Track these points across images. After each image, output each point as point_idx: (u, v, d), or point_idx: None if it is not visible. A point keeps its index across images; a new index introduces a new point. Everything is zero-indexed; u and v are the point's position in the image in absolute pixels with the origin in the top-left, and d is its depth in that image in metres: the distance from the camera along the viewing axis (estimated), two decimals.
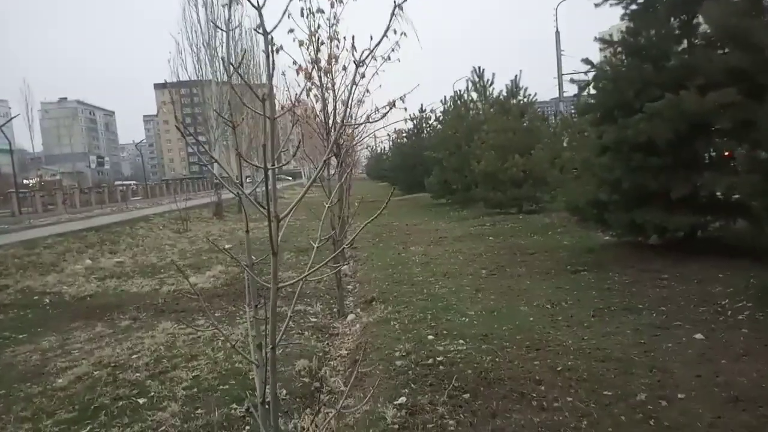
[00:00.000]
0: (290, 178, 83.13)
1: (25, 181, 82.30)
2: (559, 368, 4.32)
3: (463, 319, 5.97)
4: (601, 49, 9.45)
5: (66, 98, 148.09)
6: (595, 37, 8.83)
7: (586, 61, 9.42)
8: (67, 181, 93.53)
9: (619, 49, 8.88)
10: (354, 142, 11.51)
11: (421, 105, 32.27)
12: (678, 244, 8.33)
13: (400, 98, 10.15)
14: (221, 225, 22.08)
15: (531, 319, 5.83)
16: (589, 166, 8.78)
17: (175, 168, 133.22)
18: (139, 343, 5.94)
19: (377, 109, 10.60)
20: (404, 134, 36.72)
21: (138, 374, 4.97)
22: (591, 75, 9.42)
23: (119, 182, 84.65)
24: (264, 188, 2.29)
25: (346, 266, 10.53)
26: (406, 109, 10.20)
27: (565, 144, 16.45)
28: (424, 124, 32.81)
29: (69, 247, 14.10)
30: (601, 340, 4.92)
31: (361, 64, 10.60)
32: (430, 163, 24.53)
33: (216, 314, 7.14)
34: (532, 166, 16.75)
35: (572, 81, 10.12)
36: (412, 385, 4.22)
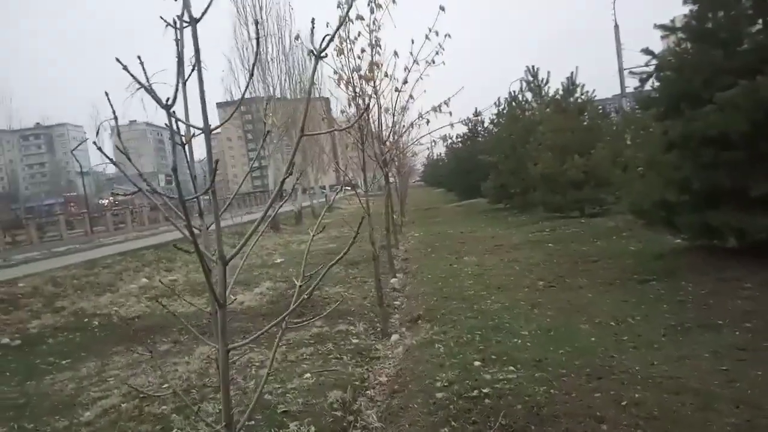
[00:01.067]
0: (348, 188, 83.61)
1: (100, 201, 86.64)
2: (624, 402, 3.73)
3: (516, 340, 5.41)
4: (662, 38, 8.66)
5: (135, 121, 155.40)
6: (655, 24, 8.07)
7: (647, 51, 8.66)
8: (139, 200, 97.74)
9: (683, 35, 8.10)
10: (398, 152, 11.16)
11: (476, 108, 31.49)
12: (760, 248, 7.42)
13: (444, 102, 9.76)
14: (276, 238, 22.14)
15: (592, 339, 5.21)
16: (654, 164, 8.01)
17: (238, 183, 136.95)
18: (172, 371, 5.72)
19: (421, 116, 10.25)
20: (453, 140, 36.24)
21: (164, 407, 4.71)
22: (653, 66, 8.67)
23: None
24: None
25: (395, 280, 10.12)
26: (451, 114, 9.79)
27: (628, 141, 15.49)
28: (478, 128, 32.14)
29: (126, 266, 14.36)
30: (675, 366, 4.27)
31: (404, 69, 10.23)
32: (485, 168, 23.83)
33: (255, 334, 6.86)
34: (593, 167, 15.82)
35: (631, 73, 9.32)
36: (453, 423, 3.74)
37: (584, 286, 7.56)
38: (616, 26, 38.02)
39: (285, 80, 26.93)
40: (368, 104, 9.02)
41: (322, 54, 1.79)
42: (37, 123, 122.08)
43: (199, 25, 1.83)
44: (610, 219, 14.79)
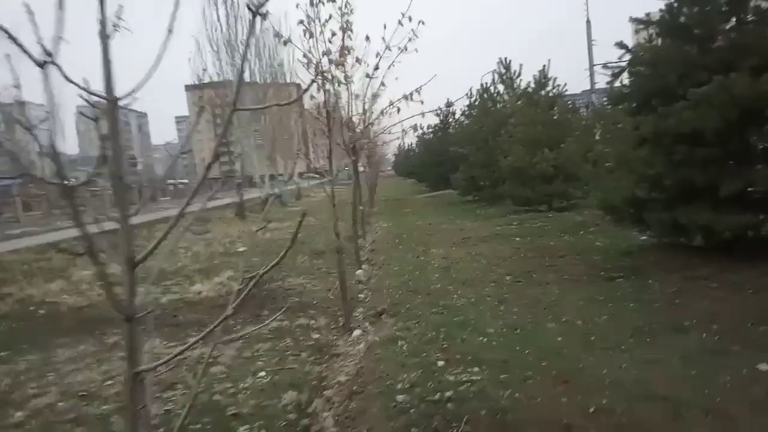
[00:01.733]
0: (317, 176, 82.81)
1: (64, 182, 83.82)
2: (591, 409, 3.56)
3: (481, 338, 5.22)
4: (636, 31, 8.55)
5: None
6: (631, 17, 7.94)
7: (620, 44, 8.54)
8: (103, 182, 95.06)
9: (657, 30, 7.99)
10: (368, 141, 10.88)
11: (447, 99, 31.36)
12: (726, 246, 7.40)
13: (416, 90, 9.49)
14: (241, 225, 21.64)
15: (559, 339, 5.05)
16: (625, 160, 7.91)
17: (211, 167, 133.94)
18: (118, 367, 5.37)
19: (392, 103, 9.97)
20: (425, 130, 36.08)
21: (105, 406, 4.38)
22: (625, 60, 8.57)
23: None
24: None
25: (360, 271, 9.87)
26: (422, 102, 9.53)
27: (597, 137, 15.51)
28: (450, 119, 32.01)
29: (73, 252, 13.75)
30: (643, 370, 4.13)
31: (376, 55, 9.91)
32: (456, 159, 23.74)
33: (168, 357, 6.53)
34: (562, 161, 15.79)
35: (605, 67, 9.24)
36: (413, 429, 3.52)
37: (551, 282, 7.43)
38: (588, 22, 38.35)
39: (255, 63, 26.25)
40: (328, 89, 8.68)
41: (262, 12, 1.50)
42: None
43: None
44: (577, 213, 14.82)
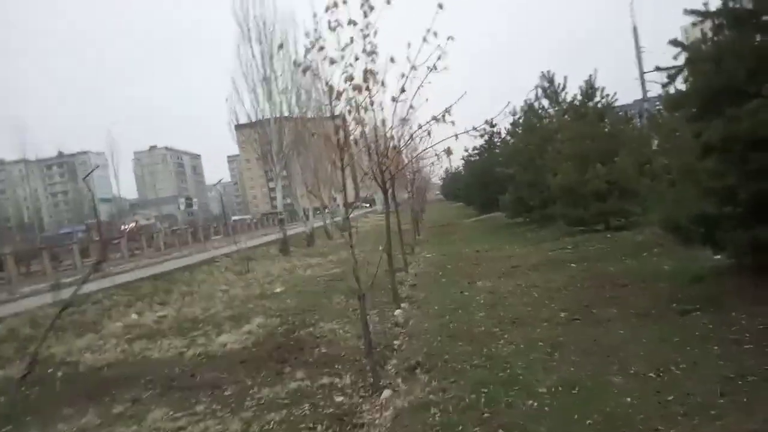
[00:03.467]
0: (367, 205, 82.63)
1: (122, 227, 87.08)
2: None
3: (531, 402, 4.30)
4: (694, 24, 7.53)
5: (156, 146, 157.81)
6: (686, 10, 6.95)
7: (675, 42, 7.57)
8: (162, 223, 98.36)
9: (719, 21, 6.97)
10: (398, 168, 10.15)
11: (490, 119, 30.35)
12: None
13: (446, 111, 8.73)
14: (284, 263, 21.20)
15: (628, 400, 4.08)
16: (689, 172, 6.86)
17: (258, 204, 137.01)
18: None
19: (420, 127, 9.23)
20: (471, 151, 35.18)
21: None
22: (682, 59, 7.58)
23: (235, 219, 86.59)
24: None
25: (398, 311, 9.04)
26: (453, 123, 8.75)
27: (654, 147, 14.31)
28: (495, 139, 31.05)
29: (117, 301, 13.49)
30: None
31: (401, 76, 9.25)
32: (503, 180, 22.75)
33: (226, 392, 5.85)
34: (617, 176, 14.61)
35: (659, 69, 8.21)
36: None
37: (614, 319, 6.41)
38: (635, 28, 36.84)
39: (291, 98, 26.11)
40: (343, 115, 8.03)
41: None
42: (60, 152, 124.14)
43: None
44: (637, 232, 13.56)
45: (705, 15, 6.77)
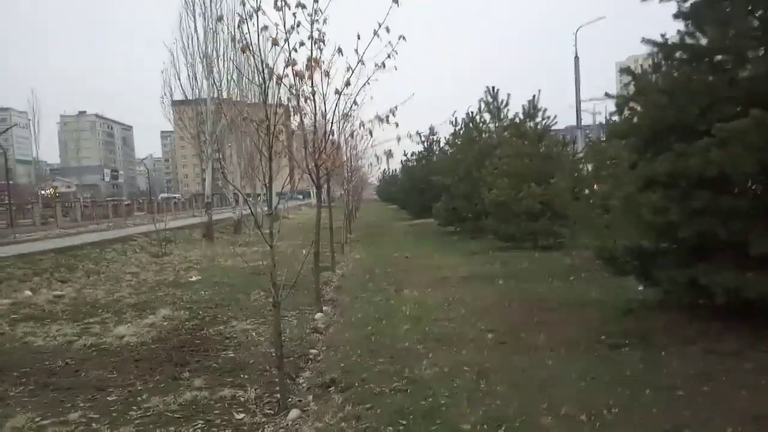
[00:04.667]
0: (300, 197, 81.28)
1: (41, 192, 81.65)
2: None
3: None
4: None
5: (85, 112, 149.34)
6: (643, 38, 6.80)
7: (627, 70, 7.47)
8: (83, 193, 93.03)
9: (671, 55, 6.88)
10: (334, 165, 9.63)
11: (431, 126, 30.44)
12: (754, 311, 6.18)
13: (390, 111, 8.29)
14: (206, 249, 20.17)
15: None
16: (629, 203, 6.70)
17: (189, 184, 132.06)
18: None
19: (363, 124, 8.75)
20: (409, 157, 35.14)
21: None
22: (629, 89, 7.48)
23: (163, 196, 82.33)
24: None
25: (320, 315, 8.51)
26: (397, 125, 8.32)
27: (586, 173, 14.49)
28: (434, 147, 31.04)
29: (12, 274, 12.19)
30: None
31: (347, 69, 8.74)
32: (438, 189, 22.65)
33: (110, 396, 5.12)
34: (550, 197, 14.67)
35: (607, 95, 8.11)
36: None
37: (542, 347, 6.13)
38: (576, 57, 37.95)
39: (231, 79, 24.94)
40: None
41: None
42: None
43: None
44: (565, 254, 13.62)
45: (660, 46, 6.65)
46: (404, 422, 4.17)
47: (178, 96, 25.26)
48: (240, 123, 23.97)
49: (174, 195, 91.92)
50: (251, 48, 5.89)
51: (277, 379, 5.30)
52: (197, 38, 24.28)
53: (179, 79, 24.57)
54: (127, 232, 26.52)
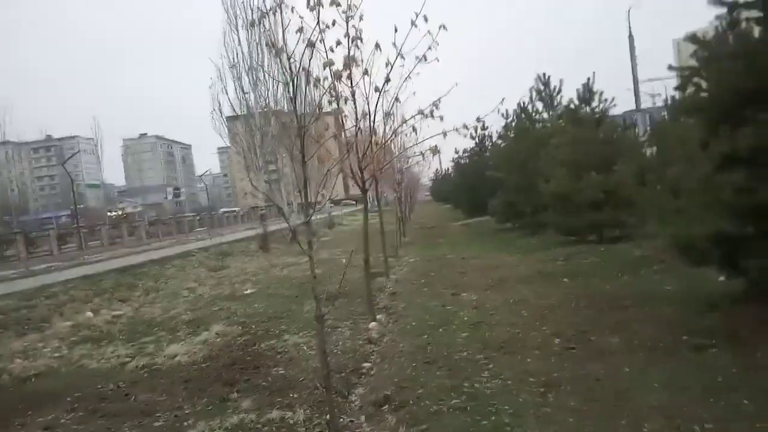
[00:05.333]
0: (354, 203, 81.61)
1: (109, 214, 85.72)
2: None
3: None
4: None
5: (146, 134, 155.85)
6: None
7: (692, 38, 6.76)
8: (148, 212, 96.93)
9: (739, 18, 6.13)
10: (379, 166, 9.23)
11: (479, 118, 29.58)
12: None
13: (434, 104, 7.83)
14: (262, 260, 20.21)
15: None
16: (707, 186, 6.00)
17: (248, 197, 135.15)
18: None
19: (405, 121, 8.34)
20: (461, 154, 34.40)
21: None
22: (700, 58, 6.76)
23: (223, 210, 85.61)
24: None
25: (374, 325, 8.13)
26: (442, 119, 7.86)
27: (651, 156, 13.57)
28: (486, 141, 30.24)
29: (75, 296, 12.47)
30: None
31: (386, 65, 8.36)
32: (493, 184, 21.91)
33: (156, 422, 4.91)
34: (614, 185, 13.79)
35: (671, 68, 7.40)
36: None
37: (617, 351, 5.54)
38: (631, 36, 36.25)
39: (278, 89, 24.97)
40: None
41: None
42: (48, 135, 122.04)
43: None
44: (634, 245, 12.73)
45: (731, 6, 5.90)
46: None
47: (227, 110, 25.50)
48: (286, 133, 24.07)
49: (233, 209, 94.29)
50: (283, 48, 5.61)
51: (334, 393, 4.97)
52: (241, 51, 24.45)
53: (227, 93, 24.78)
54: (187, 247, 27.14)
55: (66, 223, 70.48)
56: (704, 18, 7.30)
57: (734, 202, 5.65)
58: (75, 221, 41.41)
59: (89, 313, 11.10)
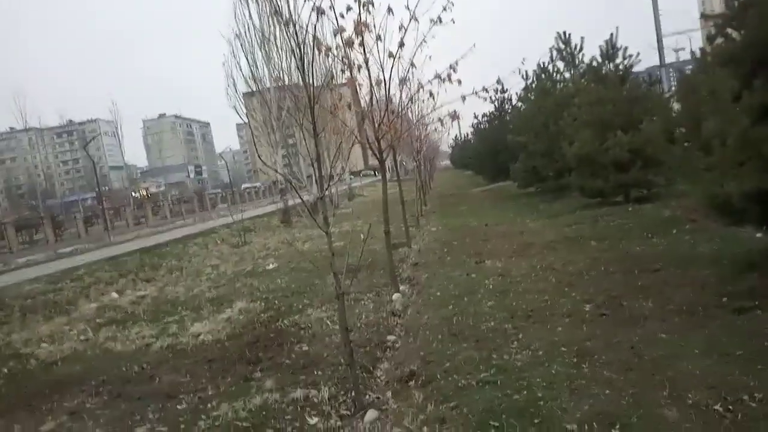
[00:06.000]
0: (373, 173, 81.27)
1: (133, 194, 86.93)
2: None
3: None
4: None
5: (165, 114, 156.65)
6: None
7: None
8: (171, 191, 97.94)
9: None
10: (396, 134, 8.95)
11: (498, 79, 28.89)
12: None
13: (451, 67, 7.52)
14: (284, 234, 20.20)
15: None
16: (747, 140, 5.64)
17: (268, 172, 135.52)
18: None
19: (421, 86, 8.03)
20: (480, 119, 33.77)
21: None
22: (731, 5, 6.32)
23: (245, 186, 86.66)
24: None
25: (397, 296, 7.99)
26: (460, 82, 7.55)
27: (677, 113, 13.05)
28: (505, 105, 29.59)
29: (100, 278, 12.56)
30: None
31: (399, 29, 8.05)
32: (514, 149, 21.43)
33: (180, 405, 4.84)
34: (641, 144, 13.32)
35: (703, 16, 6.96)
36: None
37: (651, 317, 5.30)
38: None
39: (291, 62, 24.59)
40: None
41: None
42: (69, 120, 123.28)
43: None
44: (662, 205, 12.34)
45: None
46: (496, 424, 3.56)
47: (242, 86, 25.29)
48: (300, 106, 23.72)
49: (255, 184, 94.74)
50: (290, 17, 5.35)
51: (359, 370, 4.85)
52: (252, 25, 24.08)
53: (240, 69, 24.55)
54: (210, 225, 27.33)
55: (92, 206, 71.54)
56: None
57: None
58: (100, 203, 41.85)
59: (114, 294, 11.17)
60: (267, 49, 24.72)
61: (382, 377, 4.99)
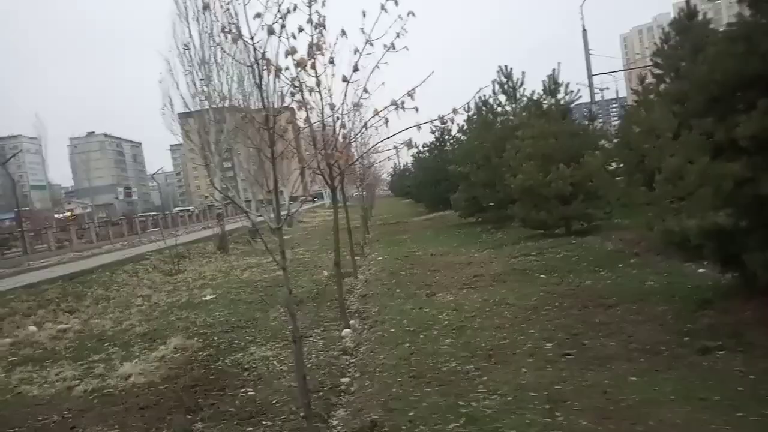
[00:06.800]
0: (312, 199, 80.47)
1: (56, 216, 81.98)
2: None
3: None
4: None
5: (93, 132, 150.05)
6: None
7: (686, 11, 6.46)
8: (98, 213, 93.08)
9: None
10: (347, 162, 8.63)
11: (440, 115, 29.23)
12: None
13: (409, 94, 7.27)
14: (221, 262, 19.35)
15: None
16: (710, 177, 5.66)
17: (202, 195, 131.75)
18: None
19: (377, 112, 7.77)
20: (420, 149, 34.07)
21: None
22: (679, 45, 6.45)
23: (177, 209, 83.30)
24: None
25: (347, 332, 7.56)
26: (417, 110, 7.34)
27: (604, 146, 13.51)
28: (446, 136, 29.96)
29: (16, 308, 11.44)
30: None
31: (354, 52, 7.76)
32: (455, 178, 21.57)
33: None
34: (581, 178, 13.58)
35: (655, 54, 7.10)
36: None
37: (616, 357, 5.15)
38: (584, 30, 36.55)
39: (232, 84, 23.93)
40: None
41: None
42: None
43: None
44: (604, 238, 12.56)
45: None
46: None
47: (179, 106, 24.33)
48: (244, 128, 23.08)
49: (188, 207, 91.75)
50: (240, 35, 4.97)
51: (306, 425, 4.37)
52: (193, 44, 23.31)
53: (178, 89, 23.62)
54: (140, 250, 25.87)
55: (9, 227, 66.92)
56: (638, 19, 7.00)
57: (733, 193, 5.33)
58: (19, 225, 39.12)
59: (32, 327, 10.15)
60: (207, 70, 24.03)
61: (340, 428, 4.54)
